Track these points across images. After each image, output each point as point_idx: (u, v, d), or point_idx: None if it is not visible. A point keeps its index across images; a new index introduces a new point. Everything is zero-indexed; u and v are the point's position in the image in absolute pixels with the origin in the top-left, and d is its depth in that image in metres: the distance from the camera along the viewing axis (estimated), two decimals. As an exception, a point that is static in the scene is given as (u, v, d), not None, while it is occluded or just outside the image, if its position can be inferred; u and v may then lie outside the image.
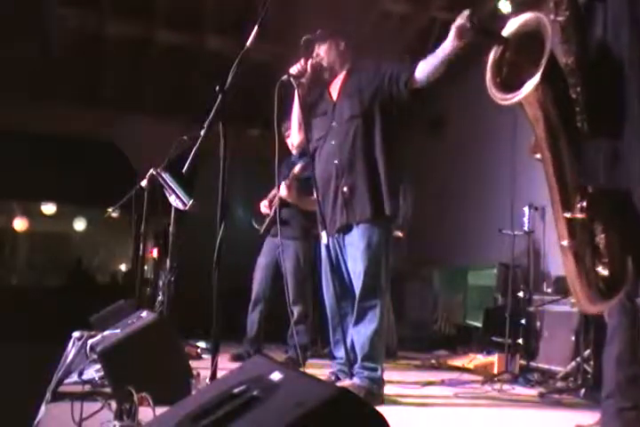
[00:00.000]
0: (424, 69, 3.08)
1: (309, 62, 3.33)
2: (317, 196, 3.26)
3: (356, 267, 3.18)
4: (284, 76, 3.15)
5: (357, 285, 3.17)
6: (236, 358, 4.31)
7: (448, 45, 2.92)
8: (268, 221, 4.48)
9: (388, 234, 3.24)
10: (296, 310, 4.39)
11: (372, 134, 3.21)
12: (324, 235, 3.22)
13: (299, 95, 3.27)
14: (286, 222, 4.38)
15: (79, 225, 14.20)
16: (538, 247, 5.29)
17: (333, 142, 3.27)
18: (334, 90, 3.41)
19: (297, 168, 4.30)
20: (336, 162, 3.24)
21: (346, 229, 3.23)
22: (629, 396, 2.26)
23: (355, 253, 3.19)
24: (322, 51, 3.39)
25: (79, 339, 2.99)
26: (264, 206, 4.55)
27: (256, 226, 4.65)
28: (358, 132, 3.21)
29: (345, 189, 3.20)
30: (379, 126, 3.22)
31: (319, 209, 3.25)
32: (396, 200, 3.22)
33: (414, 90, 3.15)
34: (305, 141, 3.37)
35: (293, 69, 3.29)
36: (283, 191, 4.29)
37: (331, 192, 3.26)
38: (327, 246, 3.26)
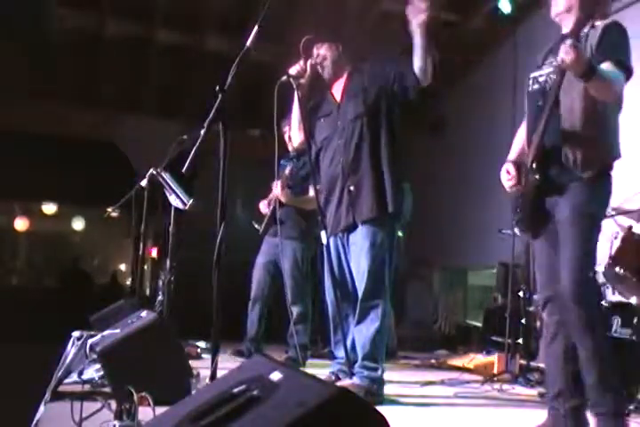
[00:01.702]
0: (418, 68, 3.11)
1: (309, 63, 3.34)
2: (317, 196, 3.27)
3: (359, 267, 3.18)
4: (284, 77, 3.15)
5: (360, 285, 3.17)
6: (237, 353, 4.32)
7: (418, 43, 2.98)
8: (265, 220, 4.49)
9: (393, 233, 3.25)
10: (295, 310, 4.40)
11: (377, 133, 3.22)
12: (323, 235, 3.22)
13: (298, 96, 3.27)
14: (283, 222, 4.39)
15: (79, 225, 14.19)
16: (538, 247, 5.28)
17: (339, 142, 3.28)
18: (337, 92, 3.42)
19: (287, 170, 4.35)
20: (342, 161, 3.25)
21: (351, 228, 3.23)
22: (578, 392, 2.37)
23: (358, 252, 3.19)
24: (322, 51, 3.40)
25: (79, 339, 2.99)
26: (263, 206, 4.56)
27: (256, 226, 4.65)
28: (364, 131, 3.22)
29: (352, 187, 3.21)
30: (383, 125, 3.23)
31: (320, 209, 3.26)
32: (400, 198, 3.23)
33: (421, 88, 3.16)
34: (305, 141, 3.37)
35: (293, 70, 3.30)
36: (276, 190, 4.32)
37: (337, 191, 3.27)
38: (327, 247, 3.26)
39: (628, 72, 2.39)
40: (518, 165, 2.60)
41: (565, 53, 2.21)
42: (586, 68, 2.22)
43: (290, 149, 4.57)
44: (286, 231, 4.42)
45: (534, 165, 2.43)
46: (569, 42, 2.22)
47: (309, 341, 4.59)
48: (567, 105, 2.42)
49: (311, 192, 4.30)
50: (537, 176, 2.42)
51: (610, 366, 2.33)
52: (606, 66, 2.34)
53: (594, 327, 2.30)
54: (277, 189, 4.31)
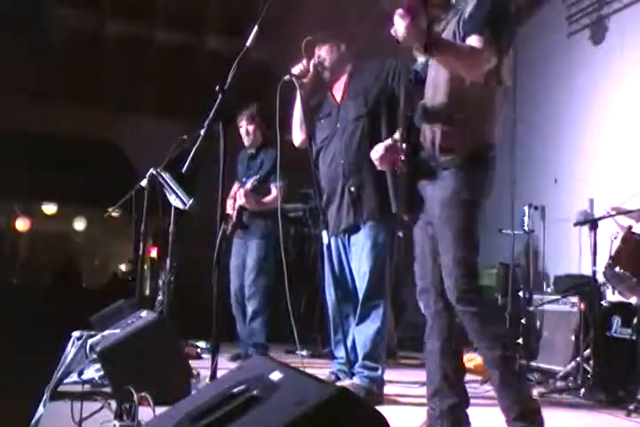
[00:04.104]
0: None
1: (311, 62, 3.33)
2: (317, 196, 3.27)
3: (360, 267, 3.18)
4: (286, 76, 3.14)
5: (361, 285, 3.17)
6: (234, 358, 4.31)
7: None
8: (230, 225, 4.50)
9: (393, 234, 3.25)
10: (250, 307, 4.40)
11: (378, 134, 3.21)
12: (324, 235, 3.22)
13: (301, 95, 3.27)
14: (248, 226, 4.47)
15: (79, 225, 14.20)
16: (538, 247, 5.29)
17: (339, 143, 3.27)
18: (337, 92, 3.41)
19: (249, 186, 4.34)
20: (343, 162, 3.24)
21: (352, 228, 3.23)
22: (455, 390, 2.29)
23: (359, 253, 3.18)
24: (323, 52, 3.39)
25: (79, 339, 2.99)
26: (229, 206, 4.54)
27: (223, 226, 4.60)
28: (365, 131, 3.22)
29: (352, 188, 3.21)
30: (384, 126, 3.22)
31: (321, 209, 3.26)
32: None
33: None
34: (307, 141, 3.37)
35: (295, 69, 3.29)
36: (240, 200, 4.36)
37: (338, 192, 3.26)
38: (329, 246, 3.26)
39: (497, 45, 2.13)
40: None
41: (396, 24, 1.96)
42: (423, 42, 1.98)
43: (246, 143, 4.61)
44: (251, 234, 4.49)
45: (403, 146, 2.25)
46: (399, 11, 1.94)
47: (267, 339, 4.50)
48: (431, 81, 2.25)
49: (274, 192, 4.36)
50: (402, 157, 2.24)
51: (514, 375, 2.22)
52: (471, 40, 2.13)
53: (493, 332, 2.22)
54: (242, 199, 4.34)
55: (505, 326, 2.36)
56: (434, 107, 2.23)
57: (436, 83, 2.23)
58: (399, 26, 1.95)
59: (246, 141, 4.60)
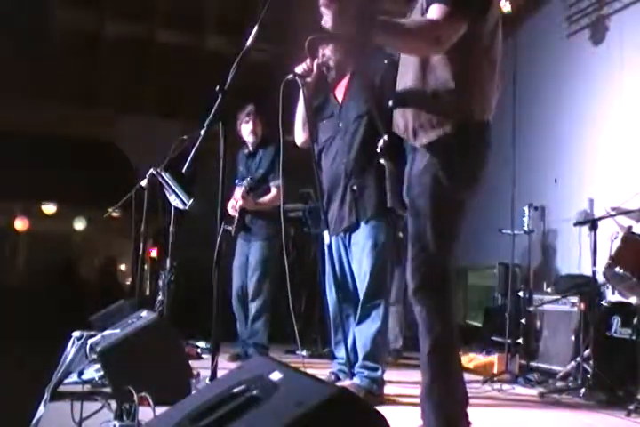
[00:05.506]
0: None
1: (315, 62, 3.33)
2: (319, 196, 3.27)
3: (361, 266, 3.18)
4: (290, 75, 3.13)
5: (362, 284, 3.17)
6: (234, 358, 4.30)
7: None
8: (234, 227, 4.51)
9: (394, 234, 3.25)
10: (254, 307, 4.40)
11: (379, 132, 3.20)
12: (326, 235, 3.22)
13: (304, 94, 3.26)
14: (250, 228, 4.50)
15: (79, 225, 14.19)
16: (538, 247, 5.29)
17: (341, 142, 3.28)
18: (340, 92, 3.41)
19: (242, 190, 4.38)
20: (344, 161, 3.24)
21: (353, 227, 3.23)
22: None
23: (360, 252, 3.18)
24: (328, 51, 3.39)
25: (79, 339, 2.99)
26: (231, 208, 4.54)
27: (227, 227, 4.62)
28: (366, 130, 3.21)
29: (354, 187, 3.21)
30: (385, 124, 3.21)
31: (322, 209, 3.26)
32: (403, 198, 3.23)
33: None
34: (309, 141, 3.37)
35: (299, 69, 3.28)
36: (240, 202, 4.39)
37: (339, 191, 3.26)
38: (330, 246, 3.26)
39: (465, 9, 1.89)
40: None
41: (325, 6, 1.76)
42: (355, 27, 1.76)
43: (249, 142, 4.59)
44: (254, 235, 4.52)
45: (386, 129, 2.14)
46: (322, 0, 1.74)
47: (268, 339, 4.48)
48: (403, 59, 2.08)
49: (273, 191, 4.41)
50: (385, 137, 2.13)
51: (449, 395, 2.09)
52: (431, 10, 1.93)
53: (440, 347, 2.05)
54: (240, 201, 4.38)
55: (454, 325, 2.15)
56: (406, 85, 2.07)
57: (406, 58, 2.08)
58: (326, 15, 1.78)
59: (250, 140, 4.57)
